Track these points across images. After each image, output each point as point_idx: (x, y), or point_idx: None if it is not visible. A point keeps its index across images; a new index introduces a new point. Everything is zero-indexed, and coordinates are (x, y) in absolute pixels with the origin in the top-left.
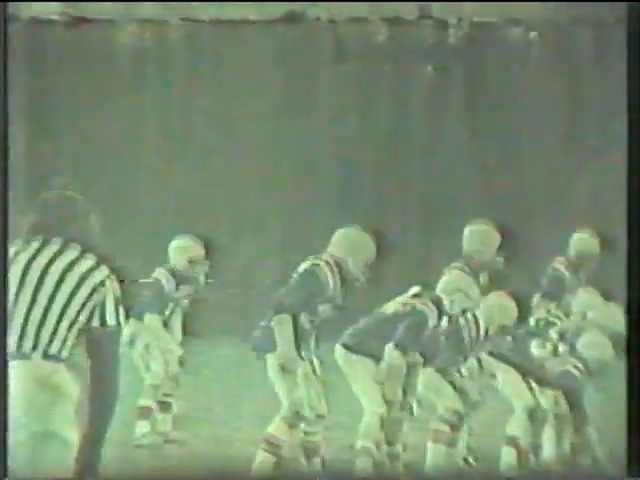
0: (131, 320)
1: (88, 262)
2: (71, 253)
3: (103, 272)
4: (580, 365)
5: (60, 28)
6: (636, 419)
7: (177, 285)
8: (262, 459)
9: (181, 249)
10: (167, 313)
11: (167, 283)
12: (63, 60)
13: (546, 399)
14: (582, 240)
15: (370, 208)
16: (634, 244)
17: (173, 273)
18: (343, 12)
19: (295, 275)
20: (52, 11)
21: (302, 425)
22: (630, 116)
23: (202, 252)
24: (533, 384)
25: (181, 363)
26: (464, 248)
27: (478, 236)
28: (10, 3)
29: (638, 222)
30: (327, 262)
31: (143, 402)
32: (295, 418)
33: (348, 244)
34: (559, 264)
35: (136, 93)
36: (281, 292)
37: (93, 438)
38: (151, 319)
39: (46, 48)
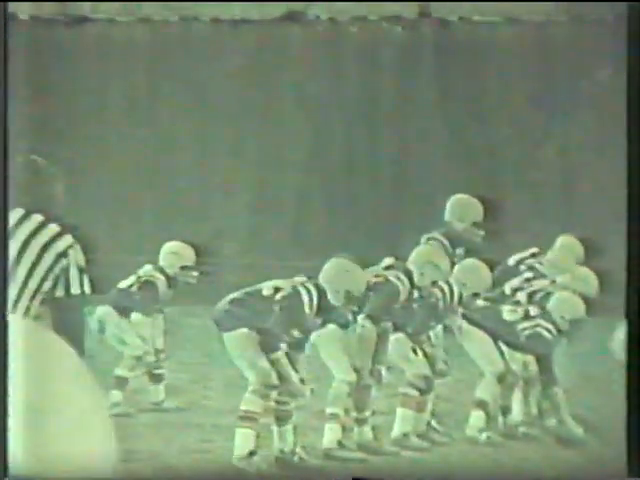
0: (98, 307)
1: (51, 230)
2: (34, 221)
3: (67, 240)
4: (551, 327)
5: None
6: (636, 418)
7: (168, 288)
8: (242, 436)
9: (174, 255)
10: (154, 314)
11: (161, 286)
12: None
13: (516, 363)
14: (566, 244)
15: (340, 173)
16: (634, 248)
17: (166, 277)
18: (343, 11)
19: (277, 302)
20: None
21: (273, 394)
22: (630, 116)
23: (194, 258)
24: (504, 348)
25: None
26: (445, 218)
27: (459, 207)
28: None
29: (638, 227)
30: (307, 287)
31: (119, 372)
32: (265, 389)
33: (336, 273)
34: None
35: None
36: (269, 324)
37: None
38: (136, 317)
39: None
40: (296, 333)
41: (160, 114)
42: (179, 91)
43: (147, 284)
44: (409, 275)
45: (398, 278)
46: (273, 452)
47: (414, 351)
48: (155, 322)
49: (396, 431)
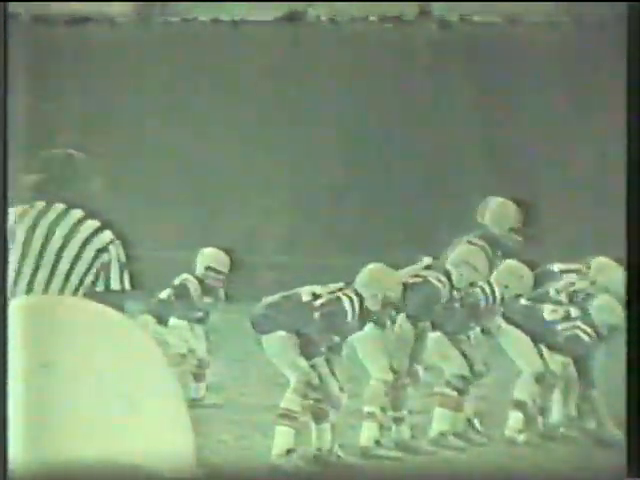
0: (134, 317)
1: (92, 225)
2: (74, 216)
3: (107, 236)
4: (590, 330)
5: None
6: (636, 419)
7: (202, 294)
8: (281, 434)
9: (208, 259)
10: (193, 320)
11: (194, 291)
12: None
13: (555, 364)
14: (602, 265)
15: (373, 168)
16: (633, 243)
17: (200, 282)
18: (344, 12)
19: (317, 309)
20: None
21: (313, 393)
22: (630, 116)
23: (228, 265)
24: (544, 349)
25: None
26: (484, 222)
27: (496, 211)
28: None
29: (637, 222)
30: (347, 295)
31: None
32: (306, 388)
33: (371, 279)
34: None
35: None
36: (308, 329)
37: None
38: (177, 323)
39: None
40: (337, 339)
41: (198, 114)
42: (214, 89)
43: (180, 288)
44: (448, 275)
45: (439, 280)
46: (311, 450)
47: (453, 350)
48: (195, 331)
49: (434, 430)
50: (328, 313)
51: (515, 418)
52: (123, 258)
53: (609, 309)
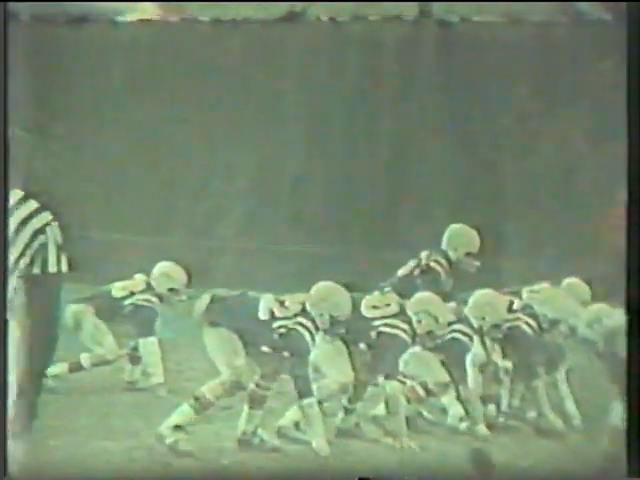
0: (71, 305)
1: (29, 206)
2: (13, 197)
3: (45, 217)
4: (532, 322)
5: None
6: (636, 419)
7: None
8: (182, 412)
9: (165, 276)
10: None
11: (159, 308)
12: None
13: (498, 354)
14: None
15: (339, 158)
16: (634, 244)
17: (160, 298)
18: (343, 12)
19: (275, 331)
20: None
21: (256, 377)
22: (630, 116)
23: (185, 281)
24: (487, 339)
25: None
26: (442, 247)
27: (455, 237)
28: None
29: (638, 223)
30: (302, 323)
31: (83, 361)
32: (233, 387)
33: (320, 298)
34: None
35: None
36: (265, 345)
37: (31, 380)
38: (149, 342)
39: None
40: (293, 357)
41: (162, 96)
42: (181, 77)
43: (146, 308)
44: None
45: (402, 330)
46: (236, 434)
47: (433, 359)
48: (149, 345)
49: (380, 411)
50: (288, 337)
51: (457, 407)
52: (60, 240)
53: (551, 302)
